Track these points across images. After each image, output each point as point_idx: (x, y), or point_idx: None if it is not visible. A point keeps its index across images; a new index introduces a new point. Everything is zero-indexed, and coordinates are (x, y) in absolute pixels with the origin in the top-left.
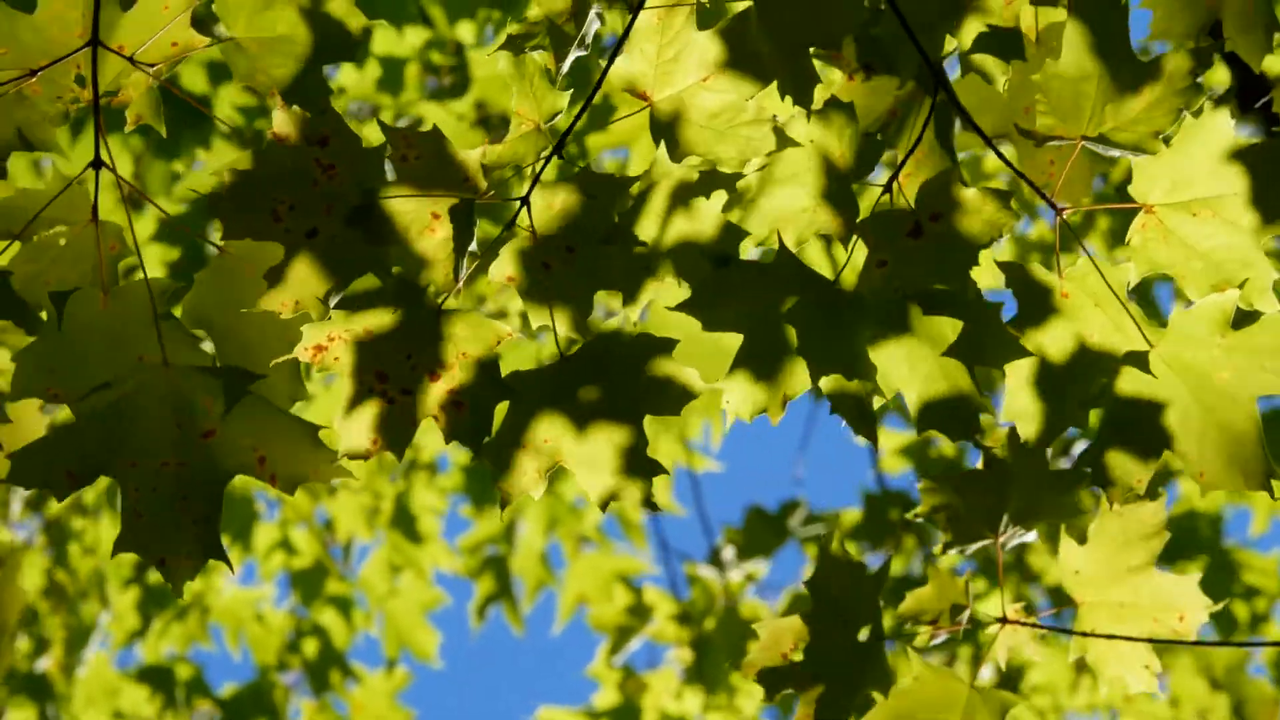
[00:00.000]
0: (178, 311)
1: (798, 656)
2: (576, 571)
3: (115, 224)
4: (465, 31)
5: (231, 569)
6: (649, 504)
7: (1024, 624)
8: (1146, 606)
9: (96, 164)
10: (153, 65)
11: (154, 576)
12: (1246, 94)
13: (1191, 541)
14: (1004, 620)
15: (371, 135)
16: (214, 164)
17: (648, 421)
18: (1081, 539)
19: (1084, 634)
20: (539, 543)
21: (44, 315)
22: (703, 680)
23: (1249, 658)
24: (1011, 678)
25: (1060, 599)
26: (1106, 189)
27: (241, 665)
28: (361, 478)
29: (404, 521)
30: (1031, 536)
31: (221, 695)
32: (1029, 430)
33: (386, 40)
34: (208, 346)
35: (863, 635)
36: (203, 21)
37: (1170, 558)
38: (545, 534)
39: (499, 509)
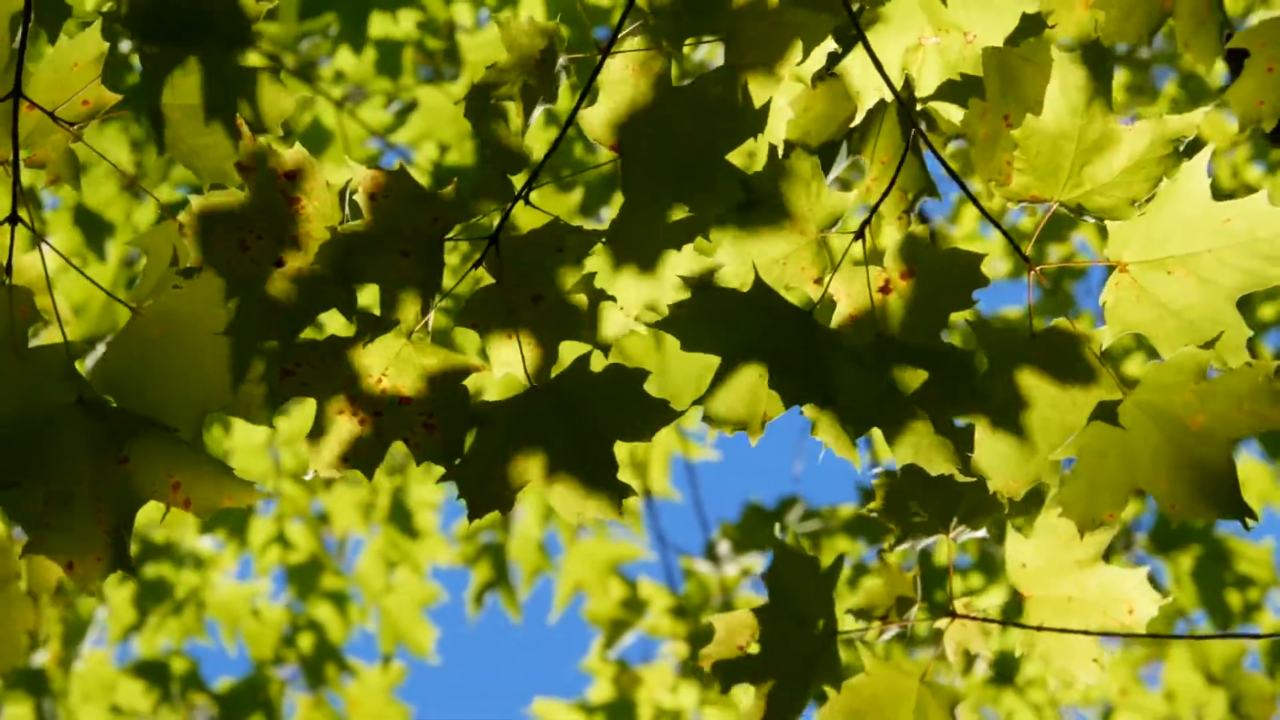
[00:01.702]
0: (88, 376)
1: (754, 649)
2: (573, 558)
3: (27, 289)
4: (460, 11)
5: (135, 577)
6: (619, 520)
7: (972, 618)
8: (1095, 600)
9: (13, 219)
10: (73, 123)
11: (150, 571)
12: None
13: (1184, 531)
14: (952, 614)
15: (369, 118)
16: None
17: None
18: (1028, 534)
19: (1033, 627)
20: (536, 530)
21: None
22: (698, 675)
23: (1246, 652)
24: (1007, 670)
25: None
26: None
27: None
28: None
29: (400, 516)
30: (981, 532)
31: (217, 690)
32: (999, 483)
33: (383, 23)
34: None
35: (816, 630)
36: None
37: (1163, 548)
38: (543, 521)
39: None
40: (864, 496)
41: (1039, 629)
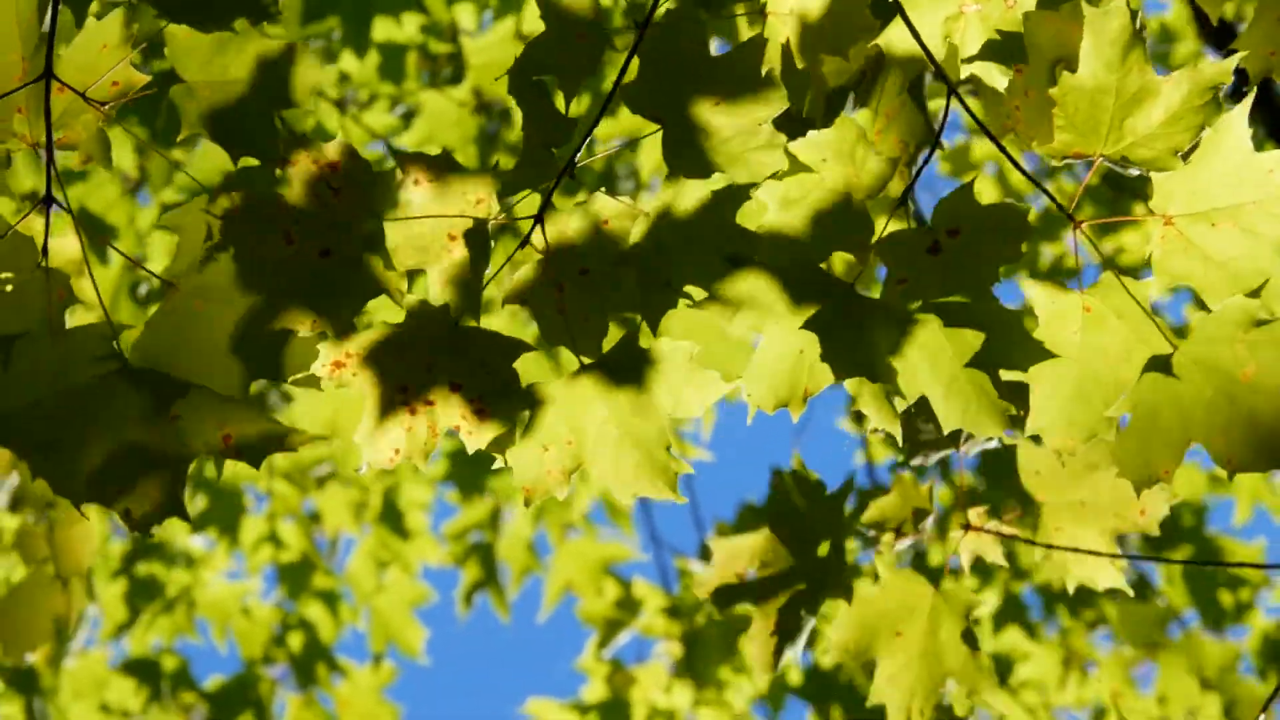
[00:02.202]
0: (127, 352)
1: (752, 575)
2: (562, 558)
3: (63, 272)
4: (463, 14)
5: (192, 526)
6: (674, 496)
7: (986, 531)
8: (1107, 503)
9: (47, 201)
10: (104, 103)
11: (142, 569)
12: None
13: (1175, 531)
14: (967, 526)
15: (373, 122)
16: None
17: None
18: (1039, 440)
19: (1048, 546)
20: (526, 529)
21: None
22: (692, 674)
23: (1240, 656)
24: (1001, 671)
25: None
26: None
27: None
28: (351, 473)
29: (391, 516)
30: (992, 444)
31: (207, 688)
32: (1056, 441)
33: (386, 27)
34: None
35: (823, 551)
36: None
37: (1156, 547)
38: (533, 521)
39: (489, 499)
40: (859, 496)
41: (1049, 547)
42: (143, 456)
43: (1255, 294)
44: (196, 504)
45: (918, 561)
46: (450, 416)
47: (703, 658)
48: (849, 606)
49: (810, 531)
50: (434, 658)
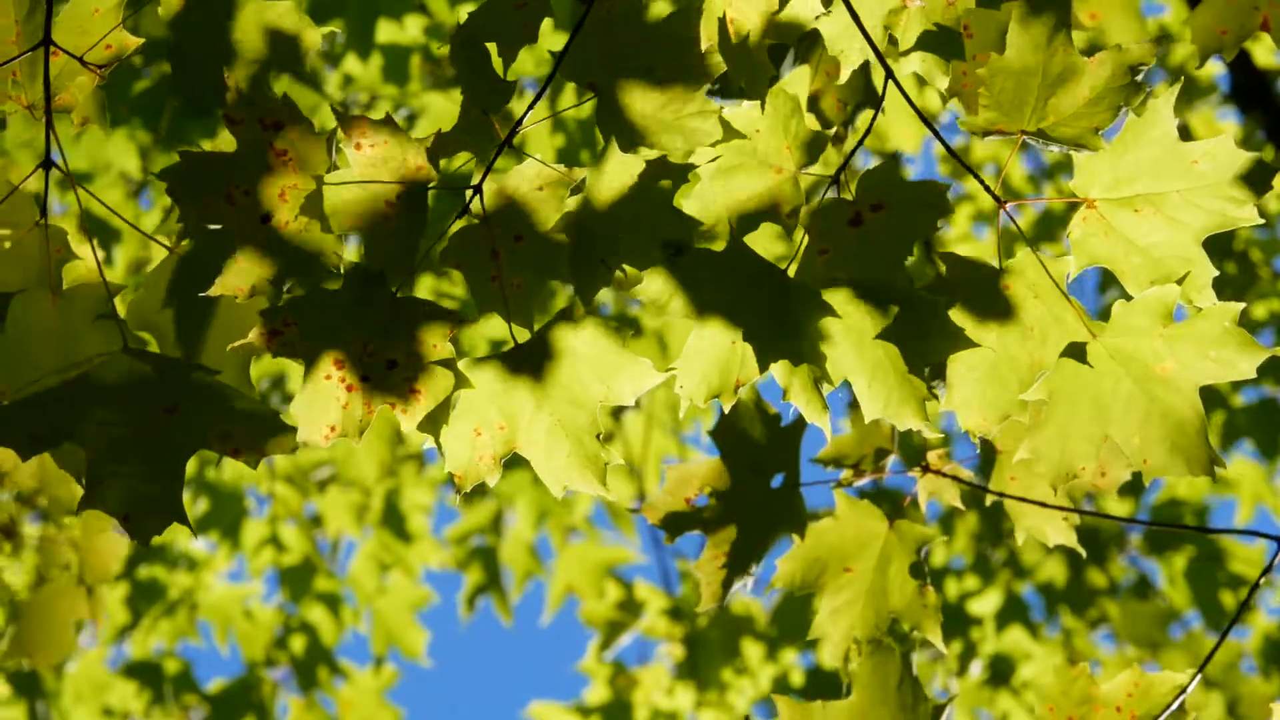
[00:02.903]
0: (123, 312)
1: (703, 501)
2: (565, 562)
3: (60, 228)
4: (466, 16)
5: (194, 532)
6: (602, 491)
7: (943, 474)
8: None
9: (47, 164)
10: (101, 66)
11: (143, 571)
12: (1247, 92)
13: (1177, 532)
14: (925, 468)
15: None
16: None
17: (641, 413)
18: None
19: (999, 494)
20: (528, 533)
21: None
22: (694, 676)
23: (1243, 654)
24: (1003, 672)
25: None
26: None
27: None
28: (353, 475)
29: (393, 519)
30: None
31: (209, 691)
32: (971, 420)
33: (389, 30)
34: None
35: (776, 480)
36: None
37: (1157, 548)
38: (535, 525)
39: (491, 502)
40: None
41: (1003, 496)
42: (141, 452)
43: (1177, 283)
44: (198, 507)
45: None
46: (385, 394)
47: (705, 659)
48: (800, 540)
49: (764, 462)
50: (436, 660)
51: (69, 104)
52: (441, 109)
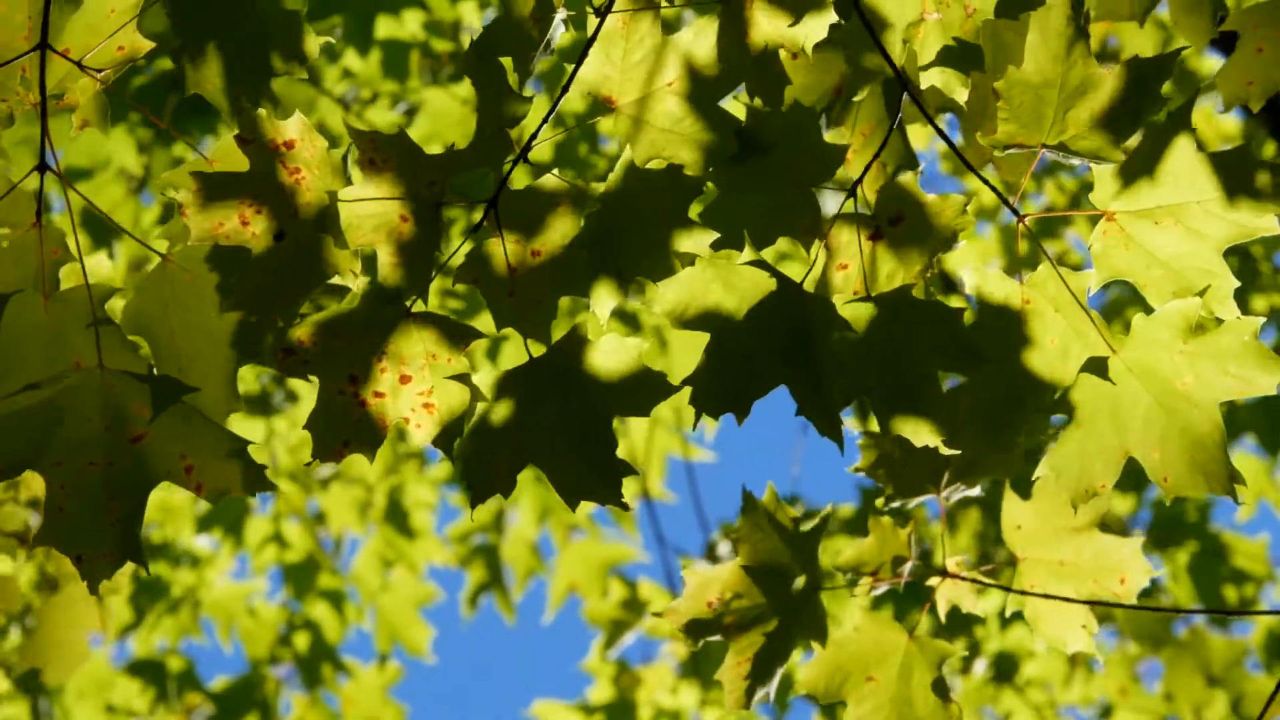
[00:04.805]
0: (117, 317)
1: (727, 606)
2: (566, 560)
3: (59, 229)
4: (466, 11)
5: (147, 571)
6: (618, 503)
7: (963, 578)
8: (1088, 567)
9: (42, 167)
10: (100, 70)
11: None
12: None
13: (1179, 526)
14: (944, 573)
15: (377, 119)
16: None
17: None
18: (1026, 495)
19: (1021, 591)
20: (530, 531)
21: None
22: (698, 675)
23: (1247, 652)
24: (1006, 670)
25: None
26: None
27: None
28: (356, 472)
29: (397, 516)
30: (975, 491)
31: (213, 689)
32: (990, 437)
33: (389, 25)
34: (146, 355)
35: (797, 586)
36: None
37: (1160, 544)
38: (537, 523)
39: (493, 501)
40: (862, 495)
41: (1025, 593)
42: (104, 484)
43: (1198, 295)
44: (200, 505)
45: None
46: (399, 409)
47: (709, 658)
48: (821, 649)
49: (783, 567)
50: (440, 657)
51: (73, 105)
52: (440, 104)
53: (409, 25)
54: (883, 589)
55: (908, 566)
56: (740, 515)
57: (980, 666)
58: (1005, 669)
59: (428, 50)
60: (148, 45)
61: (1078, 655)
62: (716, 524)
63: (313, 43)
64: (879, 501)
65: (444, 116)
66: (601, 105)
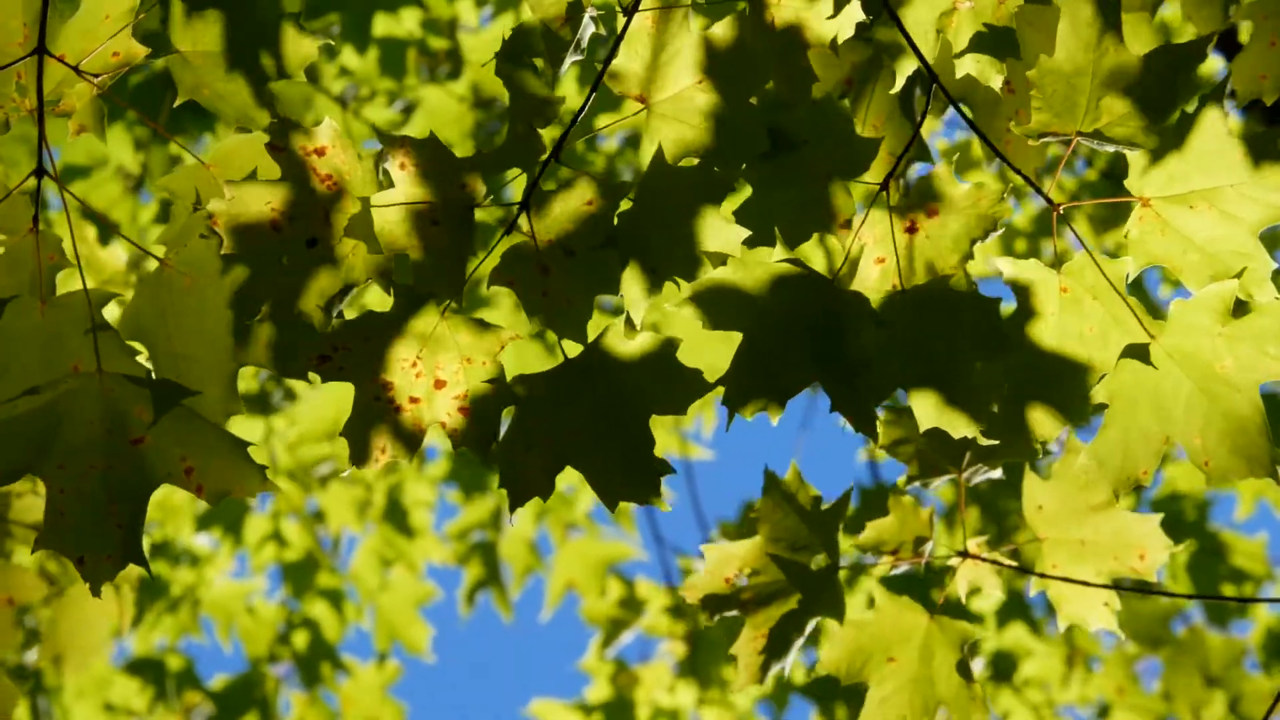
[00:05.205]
0: (115, 323)
1: (743, 582)
2: (564, 558)
3: (56, 235)
4: (463, 10)
5: (149, 574)
6: (658, 502)
7: (983, 559)
8: (1107, 545)
9: (39, 172)
10: (97, 75)
11: None
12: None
13: (1178, 525)
14: (964, 554)
15: (375, 117)
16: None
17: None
18: (1046, 475)
19: (1042, 574)
20: (528, 529)
21: None
22: (696, 674)
23: (1245, 651)
24: (1004, 669)
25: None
26: (1090, 175)
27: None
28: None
29: (396, 515)
30: (996, 473)
31: (212, 688)
32: (1034, 426)
33: (386, 23)
34: (144, 360)
35: (817, 564)
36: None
37: None
38: (536, 521)
39: (491, 498)
40: (862, 495)
41: (1043, 576)
42: (104, 488)
43: (1235, 278)
44: (200, 504)
45: (912, 583)
46: (434, 413)
47: (706, 657)
48: (841, 626)
49: (803, 545)
50: (439, 656)
51: (69, 110)
52: (438, 102)
53: (406, 23)
54: (903, 568)
55: (928, 546)
56: (762, 493)
57: (979, 665)
58: (1003, 668)
59: (425, 48)
60: (143, 51)
61: (1075, 654)
62: (715, 522)
63: (310, 46)
64: (900, 481)
65: (441, 114)
66: (610, 102)
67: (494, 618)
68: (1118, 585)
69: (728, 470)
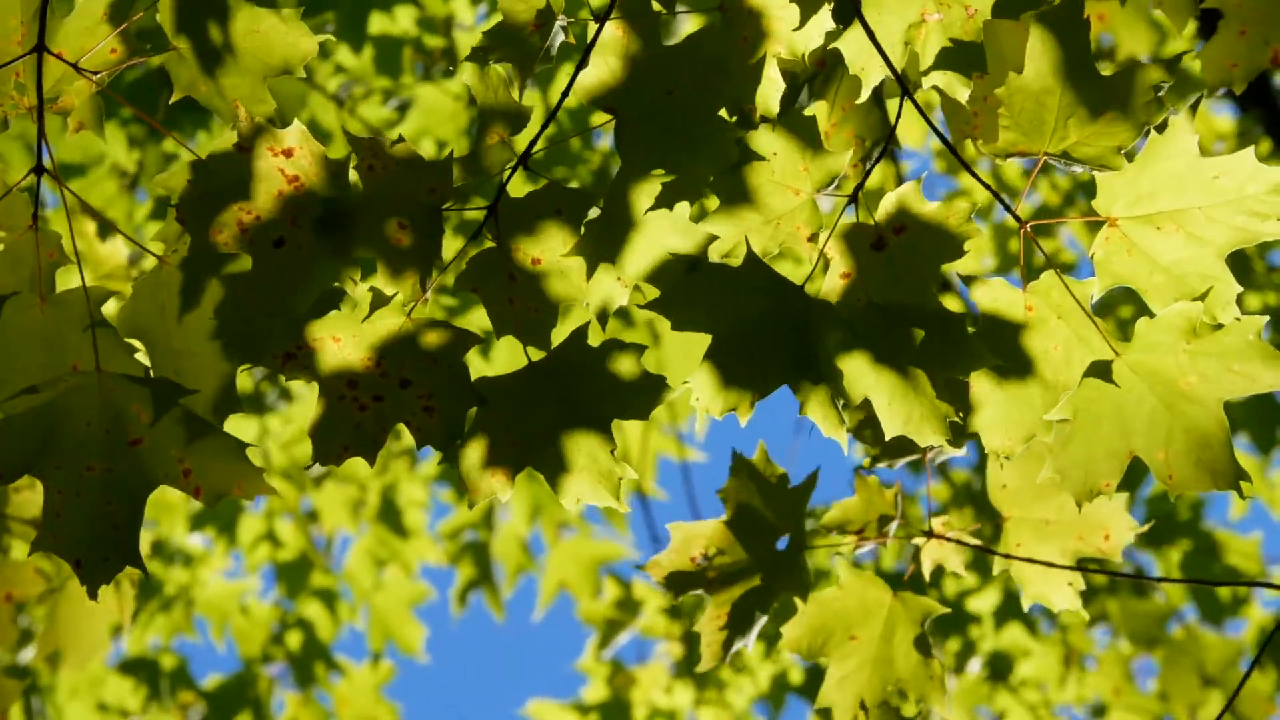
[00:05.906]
0: (114, 320)
1: (709, 561)
2: (557, 557)
3: (55, 232)
4: (458, 8)
5: (146, 576)
6: (616, 505)
7: (948, 539)
8: (1071, 524)
9: (39, 170)
10: (96, 73)
11: None
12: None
13: (1171, 524)
14: (929, 534)
15: (370, 115)
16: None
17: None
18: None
19: (1006, 555)
20: (521, 528)
21: None
22: (693, 674)
23: (1242, 652)
24: (1001, 669)
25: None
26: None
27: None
28: (348, 471)
29: (390, 515)
30: (960, 452)
31: (206, 687)
32: (995, 441)
33: (381, 21)
34: (142, 357)
35: (781, 543)
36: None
37: (1153, 541)
38: (529, 520)
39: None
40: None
41: (1009, 557)
42: (102, 489)
43: (1199, 300)
44: (194, 503)
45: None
46: (399, 413)
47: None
48: (804, 605)
49: (769, 524)
50: (433, 656)
51: (67, 107)
52: (433, 100)
53: (401, 21)
54: (868, 548)
55: (893, 525)
56: (729, 475)
57: (975, 666)
58: (1000, 668)
59: (420, 46)
60: (141, 48)
61: (1072, 654)
62: None
63: (310, 43)
64: (866, 462)
65: (436, 112)
66: (597, 102)
67: (488, 618)
68: (1116, 575)
69: (723, 469)
